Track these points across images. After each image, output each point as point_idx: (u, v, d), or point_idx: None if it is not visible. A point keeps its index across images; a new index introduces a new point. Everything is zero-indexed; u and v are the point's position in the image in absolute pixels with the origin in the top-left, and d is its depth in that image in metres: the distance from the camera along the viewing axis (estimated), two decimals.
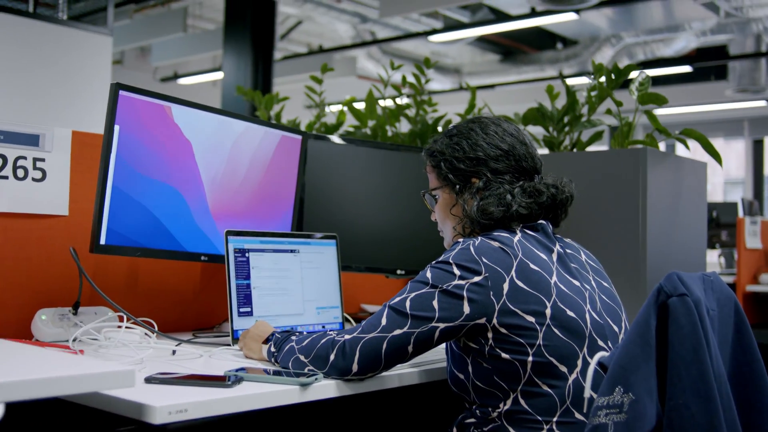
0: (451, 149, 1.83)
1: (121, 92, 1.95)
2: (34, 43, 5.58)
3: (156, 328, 2.05)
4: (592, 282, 1.76)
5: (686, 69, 10.91)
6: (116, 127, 1.95)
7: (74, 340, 1.85)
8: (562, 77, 2.90)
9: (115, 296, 2.22)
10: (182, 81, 12.08)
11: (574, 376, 1.60)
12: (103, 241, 1.95)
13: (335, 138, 2.64)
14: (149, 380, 1.52)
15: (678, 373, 1.35)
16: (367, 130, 3.57)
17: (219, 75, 9.61)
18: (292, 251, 2.21)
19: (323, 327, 2.24)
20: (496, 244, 1.66)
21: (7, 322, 2.02)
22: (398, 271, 2.64)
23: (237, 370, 1.65)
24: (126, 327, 1.94)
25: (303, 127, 3.81)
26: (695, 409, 1.34)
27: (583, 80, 2.82)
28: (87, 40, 5.78)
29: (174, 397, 1.40)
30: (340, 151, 2.61)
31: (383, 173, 2.67)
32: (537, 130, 2.93)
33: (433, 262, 1.68)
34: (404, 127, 3.64)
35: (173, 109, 2.08)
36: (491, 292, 1.60)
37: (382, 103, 3.57)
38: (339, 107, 3.78)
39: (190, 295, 2.44)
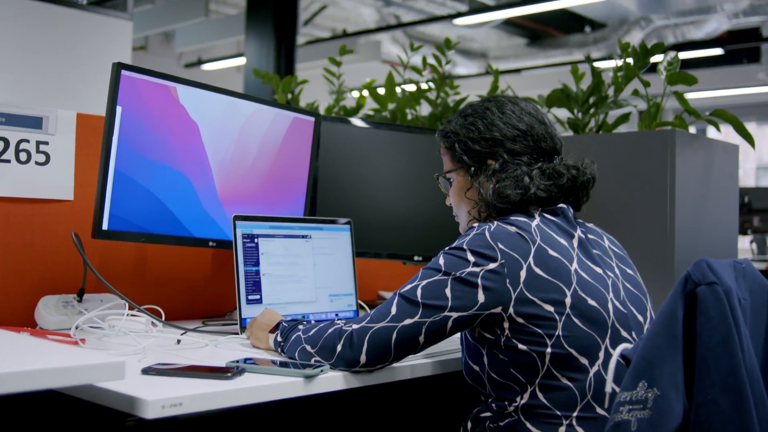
0: (465, 129, 1.74)
1: (123, 72, 1.88)
2: (54, 27, 5.54)
3: (163, 316, 1.99)
4: (616, 269, 1.66)
5: (718, 52, 10.69)
6: (118, 108, 1.88)
7: (76, 328, 1.79)
8: (588, 59, 2.78)
9: (122, 283, 2.17)
10: (206, 67, 12.03)
11: (595, 368, 1.51)
12: (105, 227, 1.89)
13: (350, 120, 2.55)
14: (146, 371, 1.45)
15: (707, 366, 1.26)
16: (387, 113, 3.48)
17: (243, 60, 9.55)
18: (303, 237, 2.13)
19: (337, 315, 2.16)
20: (512, 229, 1.57)
21: (10, 309, 1.97)
22: (416, 257, 2.56)
23: (245, 361, 1.58)
24: (131, 315, 1.88)
25: (322, 111, 3.73)
26: (725, 406, 1.24)
27: (612, 64, 2.71)
28: (106, 25, 5.73)
29: (170, 389, 1.33)
30: (355, 133, 2.53)
31: (401, 156, 2.58)
32: (562, 114, 2.82)
33: (447, 248, 1.60)
34: (425, 110, 3.55)
35: (179, 89, 2.00)
36: (507, 280, 1.51)
37: (403, 86, 3.48)
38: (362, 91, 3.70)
39: (201, 282, 2.37)
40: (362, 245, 2.45)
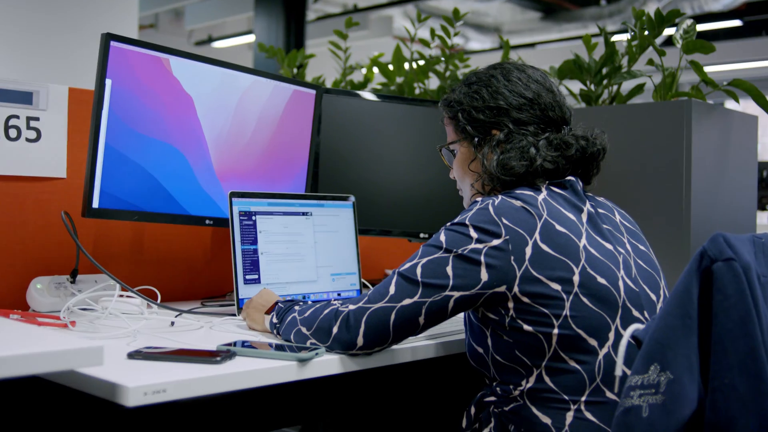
0: (469, 98, 1.65)
1: (113, 43, 1.80)
2: (59, 6, 5.49)
3: (159, 297, 1.93)
4: (627, 245, 1.58)
5: (736, 23, 10.49)
6: (108, 81, 1.80)
7: (66, 310, 1.73)
8: (602, 30, 2.68)
9: (118, 263, 2.11)
10: (217, 44, 11.94)
11: (605, 350, 1.43)
12: (96, 205, 1.82)
13: (354, 92, 2.46)
14: (132, 356, 1.38)
15: (723, 348, 1.17)
16: (394, 87, 3.40)
17: (254, 38, 9.45)
18: (304, 214, 2.05)
19: (339, 294, 2.09)
20: (518, 203, 1.48)
21: (1, 291, 1.91)
22: (422, 235, 2.48)
23: (242, 344, 1.51)
24: (127, 296, 1.82)
25: (329, 86, 3.64)
26: (743, 390, 1.16)
27: (628, 36, 2.61)
28: (113, 3, 5.68)
29: (155, 375, 1.26)
30: (359, 106, 2.44)
31: (407, 130, 2.49)
32: (575, 88, 2.73)
33: (448, 223, 1.51)
34: (434, 84, 3.46)
35: (171, 61, 1.92)
36: (512, 257, 1.43)
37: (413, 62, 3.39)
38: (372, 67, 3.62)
39: (201, 261, 2.31)
40: (367, 222, 2.38)
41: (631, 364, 1.26)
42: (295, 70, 3.59)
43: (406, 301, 1.46)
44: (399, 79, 3.42)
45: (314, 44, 9.64)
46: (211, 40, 12.05)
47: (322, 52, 4.27)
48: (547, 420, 1.43)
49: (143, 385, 1.20)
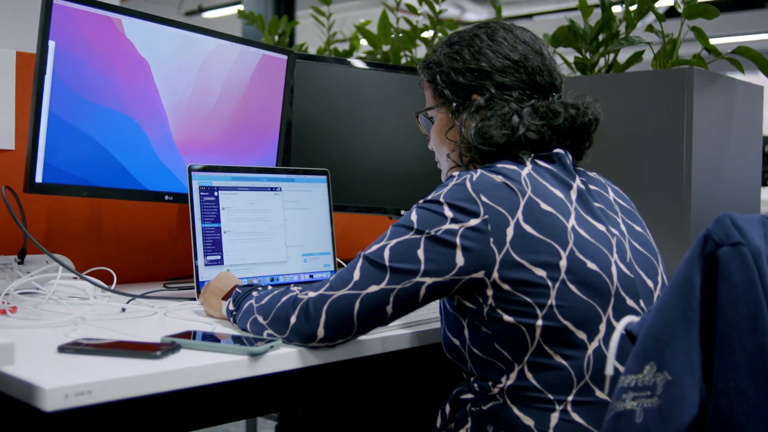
0: (449, 59, 1.49)
1: (56, 1, 1.63)
2: None
3: (115, 279, 1.77)
4: (622, 226, 1.42)
5: None
6: (51, 44, 1.63)
7: (6, 294, 1.57)
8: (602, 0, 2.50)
9: (74, 242, 1.96)
10: (207, 14, 11.70)
11: (595, 344, 1.28)
12: (39, 179, 1.66)
13: (330, 59, 2.30)
14: (63, 349, 1.23)
15: (729, 345, 1.03)
16: (381, 56, 3.23)
17: (242, 7, 9.23)
18: (272, 189, 1.89)
19: (311, 276, 1.94)
20: (498, 178, 1.32)
21: None
22: (402, 212, 2.32)
23: (203, 335, 1.36)
24: (81, 278, 1.67)
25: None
26: (751, 393, 1.02)
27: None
28: None
29: (82, 373, 1.11)
30: (337, 74, 2.27)
31: (389, 99, 2.32)
32: (570, 56, 2.56)
33: (421, 201, 1.35)
34: (422, 53, 3.29)
35: (124, 22, 1.75)
36: (491, 239, 1.27)
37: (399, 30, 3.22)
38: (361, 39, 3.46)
39: (165, 240, 2.15)
40: (344, 198, 2.22)
41: (625, 359, 1.11)
42: (276, 38, 3.41)
43: (372, 288, 1.30)
44: (385, 48, 3.25)
45: (306, 14, 9.43)
46: (201, 10, 11.79)
47: (312, 22, 4.10)
48: (529, 421, 1.28)
49: (64, 386, 1.04)
